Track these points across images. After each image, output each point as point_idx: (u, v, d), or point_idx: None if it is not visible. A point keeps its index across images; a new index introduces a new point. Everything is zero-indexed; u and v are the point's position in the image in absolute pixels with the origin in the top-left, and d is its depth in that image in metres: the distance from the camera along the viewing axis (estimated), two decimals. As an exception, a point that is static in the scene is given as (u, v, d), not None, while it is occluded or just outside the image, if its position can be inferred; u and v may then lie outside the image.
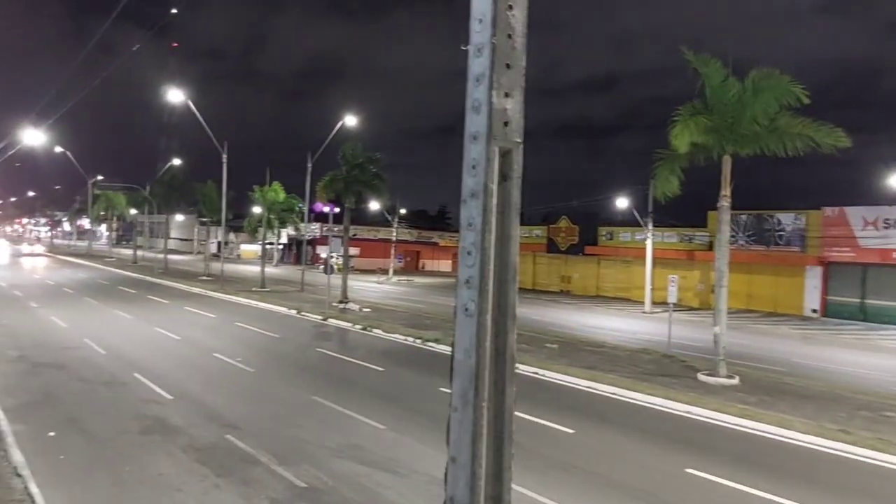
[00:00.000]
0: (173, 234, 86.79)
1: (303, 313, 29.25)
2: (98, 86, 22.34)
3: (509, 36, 2.06)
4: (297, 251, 72.74)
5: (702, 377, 17.33)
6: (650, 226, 38.39)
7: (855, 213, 36.22)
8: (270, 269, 51.65)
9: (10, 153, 38.25)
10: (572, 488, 9.55)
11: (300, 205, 43.64)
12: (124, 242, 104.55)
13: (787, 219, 39.74)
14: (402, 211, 69.72)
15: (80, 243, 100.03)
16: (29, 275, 46.71)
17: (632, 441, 12.10)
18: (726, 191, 17.52)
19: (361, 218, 58.47)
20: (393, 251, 62.35)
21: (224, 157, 39.40)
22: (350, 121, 36.12)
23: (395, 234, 62.58)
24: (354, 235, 55.89)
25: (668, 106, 20.70)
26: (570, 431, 12.37)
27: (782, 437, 12.49)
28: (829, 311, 37.23)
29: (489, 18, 2.03)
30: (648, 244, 38.92)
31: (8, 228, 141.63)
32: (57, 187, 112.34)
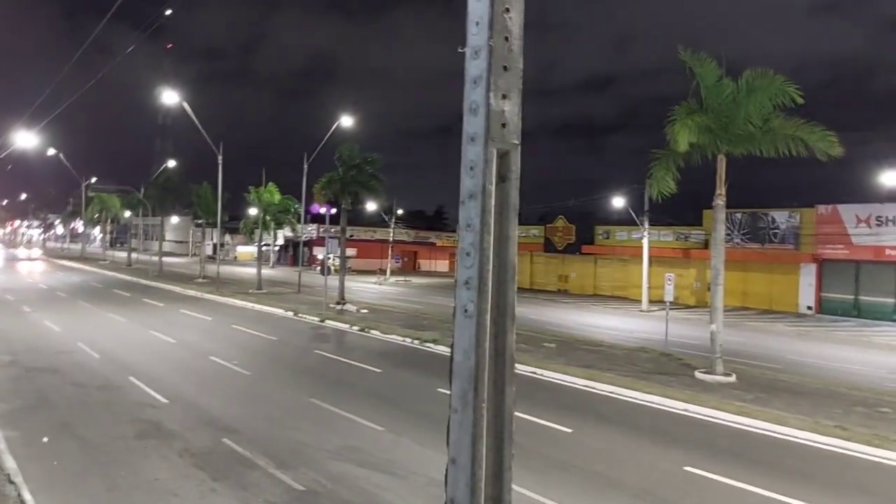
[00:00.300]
0: (168, 236, 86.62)
1: (300, 315, 29.22)
2: (92, 87, 22.26)
3: (506, 38, 2.05)
4: (293, 253, 72.70)
5: (699, 375, 17.36)
6: (646, 225, 38.46)
7: (848, 211, 36.34)
8: (267, 271, 51.58)
9: (2, 155, 38.09)
10: (572, 488, 9.55)
11: (296, 206, 43.59)
12: (118, 245, 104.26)
13: (781, 217, 39.85)
14: (400, 211, 69.76)
15: (73, 246, 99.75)
16: (22, 279, 46.55)
17: (630, 439, 12.11)
18: (721, 190, 17.56)
19: (358, 219, 58.43)
20: (390, 252, 62.35)
21: (219, 158, 39.32)
22: (346, 121, 36.11)
23: (392, 234, 62.57)
24: (351, 236, 55.87)
25: (665, 105, 20.80)
26: (569, 431, 12.37)
27: (779, 433, 12.51)
28: (824, 307, 37.34)
29: (486, 21, 2.03)
30: (645, 243, 38.97)
31: (0, 232, 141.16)
32: (50, 190, 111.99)
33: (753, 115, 16.72)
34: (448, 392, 2.38)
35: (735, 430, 12.89)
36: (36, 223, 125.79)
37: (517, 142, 2.16)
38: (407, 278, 61.02)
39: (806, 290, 38.45)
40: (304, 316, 28.94)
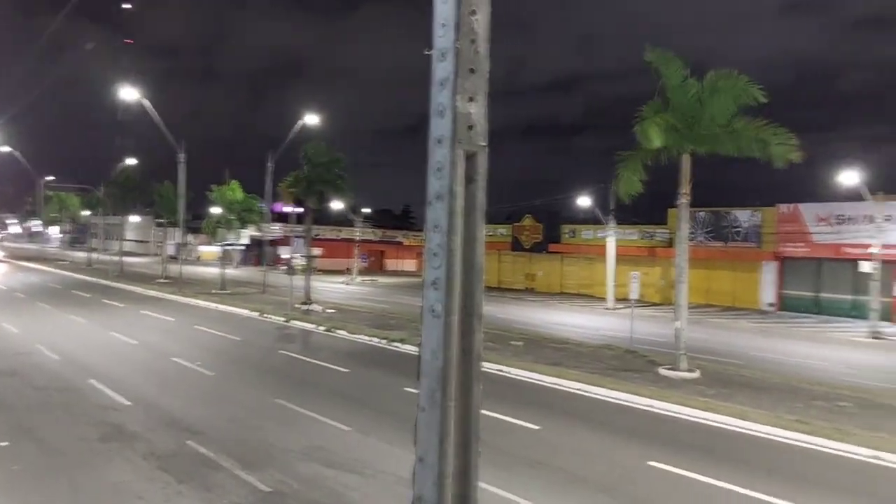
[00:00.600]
0: (129, 235, 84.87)
1: (265, 315, 28.90)
2: (50, 85, 21.71)
3: (473, 41, 2.07)
4: (258, 252, 71.81)
5: (663, 371, 17.65)
6: (612, 224, 38.95)
7: (808, 210, 37.31)
8: (231, 271, 50.90)
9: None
10: (538, 484, 9.64)
11: (260, 204, 43.10)
12: (77, 245, 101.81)
13: (743, 216, 40.74)
14: (366, 210, 69.41)
15: (30, 246, 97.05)
16: (-22, 280, 45.19)
17: (596, 435, 12.27)
18: (685, 189, 17.86)
19: (324, 218, 57.92)
20: (356, 251, 62.01)
21: (181, 156, 38.67)
22: (311, 120, 35.81)
23: (358, 234, 62.25)
24: (317, 235, 55.36)
25: (630, 106, 21.11)
26: (536, 428, 12.48)
27: (742, 428, 12.79)
28: (785, 304, 38.28)
29: (452, 23, 2.04)
30: (610, 242, 39.47)
31: None
32: (7, 189, 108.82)
33: (718, 116, 17.02)
34: (415, 391, 2.40)
35: (699, 424, 13.14)
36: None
37: (484, 144, 2.18)
38: (374, 278, 60.78)
39: (768, 287, 39.37)
40: (270, 316, 28.64)
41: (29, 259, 69.67)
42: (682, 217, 18.32)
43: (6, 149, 57.10)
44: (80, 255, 76.17)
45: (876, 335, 28.36)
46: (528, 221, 52.70)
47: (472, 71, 2.08)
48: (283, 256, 66.77)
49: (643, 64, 17.70)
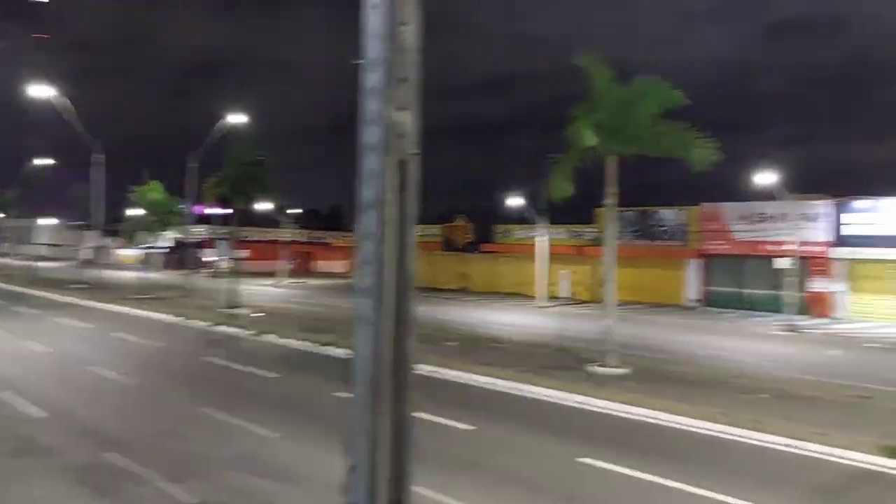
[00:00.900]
0: (43, 239, 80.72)
1: (189, 320, 28.01)
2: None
3: (403, 52, 2.06)
4: (181, 255, 69.55)
5: (594, 368, 18.07)
6: (543, 223, 39.69)
7: (730, 209, 39.12)
8: (152, 275, 49.07)
9: None
10: (471, 484, 9.70)
11: (183, 206, 41.78)
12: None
13: (669, 214, 42.33)
14: (294, 211, 68.29)
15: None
16: None
17: (529, 434, 12.45)
18: (612, 189, 18.39)
19: (251, 219, 56.62)
20: (284, 253, 60.93)
21: (97, 157, 37.03)
22: (235, 119, 34.81)
23: (286, 235, 61.19)
24: (244, 237, 54.09)
25: (561, 107, 21.58)
26: (471, 428, 12.55)
27: (670, 422, 13.20)
28: (710, 300, 39.98)
29: (382, 34, 2.03)
30: (541, 241, 40.21)
31: None
32: None
33: (644, 118, 17.59)
34: (347, 395, 2.38)
35: (628, 420, 13.51)
36: None
37: (415, 152, 2.18)
38: (303, 280, 59.86)
39: (693, 283, 41.04)
40: (194, 321, 27.77)
41: (-70, 265, 65.24)
42: (610, 217, 18.86)
43: None
44: (-12, 259, 71.85)
45: (792, 328, 29.94)
46: (460, 221, 53.06)
47: (402, 80, 2.08)
48: (207, 259, 64.99)
49: (573, 66, 18.14)
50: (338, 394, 13.79)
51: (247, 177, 31.60)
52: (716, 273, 40.21)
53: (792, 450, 11.47)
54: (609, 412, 14.03)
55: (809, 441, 11.67)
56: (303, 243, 75.16)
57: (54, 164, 55.99)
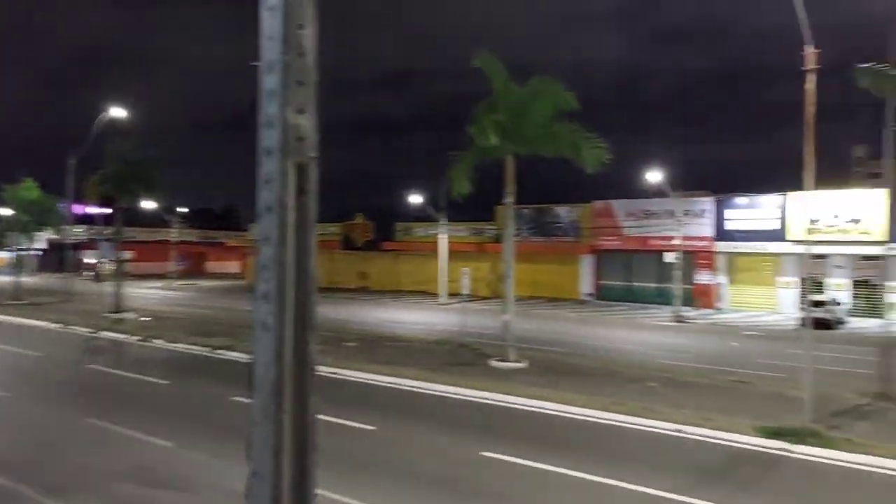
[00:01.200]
0: None
1: (70, 327, 26.29)
2: None
3: (301, 54, 2.04)
4: (59, 257, 65.13)
5: (494, 363, 18.46)
6: (444, 221, 40.09)
7: (620, 206, 41.01)
8: (27, 279, 45.68)
9: None
10: (375, 484, 9.68)
11: (60, 205, 39.16)
12: None
13: (563, 212, 43.87)
14: (183, 210, 65.57)
15: None
16: None
17: (431, 431, 12.56)
18: (511, 188, 18.87)
19: (137, 219, 53.79)
20: (174, 254, 58.34)
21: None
22: (117, 113, 32.83)
23: (175, 235, 58.61)
24: (130, 238, 51.32)
25: (461, 105, 21.93)
26: (373, 428, 12.50)
27: (567, 412, 13.69)
28: (603, 293, 41.77)
29: (280, 36, 2.00)
30: (442, 238, 40.59)
31: None
32: None
33: (539, 119, 18.11)
34: (245, 400, 2.33)
35: (527, 412, 13.89)
36: None
37: (314, 155, 2.16)
38: (194, 282, 57.59)
39: (587, 278, 42.74)
40: (75, 328, 26.09)
41: None
42: (509, 214, 19.33)
43: None
44: None
45: (679, 319, 31.80)
46: (359, 219, 52.73)
47: (300, 83, 2.05)
48: (88, 261, 61.25)
49: (472, 65, 18.41)
50: (236, 398, 13.39)
51: (131, 174, 29.99)
52: (608, 268, 42.10)
53: (679, 434, 12.18)
54: (510, 405, 14.39)
55: (694, 425, 12.45)
56: (194, 243, 72.21)
57: None
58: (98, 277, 30.09)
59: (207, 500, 8.98)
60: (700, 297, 37.44)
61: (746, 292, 37.20)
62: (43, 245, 64.04)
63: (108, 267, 34.86)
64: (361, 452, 11.08)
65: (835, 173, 35.74)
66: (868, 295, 31.81)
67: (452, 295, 41.13)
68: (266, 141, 2.05)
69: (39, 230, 41.89)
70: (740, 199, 37.31)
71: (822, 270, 33.12)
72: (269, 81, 2.02)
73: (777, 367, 18.27)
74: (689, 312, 33.32)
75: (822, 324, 25.30)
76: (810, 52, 12.97)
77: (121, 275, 32.16)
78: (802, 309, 14.71)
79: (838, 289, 33.13)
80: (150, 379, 16.86)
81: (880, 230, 28.26)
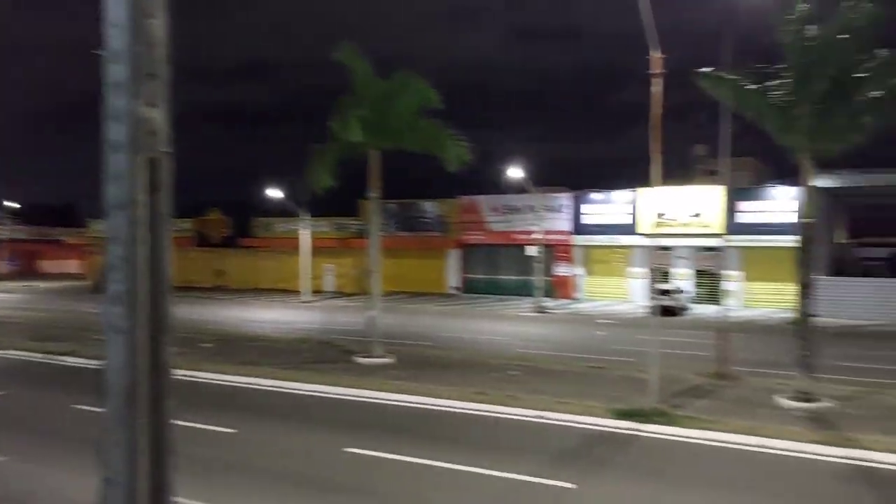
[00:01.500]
0: None
1: None
2: None
3: (150, 45, 1.94)
4: None
5: (359, 359, 18.38)
6: (306, 216, 39.27)
7: (484, 201, 42.20)
8: None
9: None
10: (237, 487, 9.39)
11: None
12: None
13: (429, 207, 44.47)
14: (14, 205, 59.82)
15: None
16: None
17: (294, 431, 12.32)
18: (376, 182, 18.83)
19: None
20: (3, 252, 53.00)
21: None
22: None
23: (4, 232, 53.30)
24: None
25: (323, 97, 21.51)
26: (232, 431, 12.06)
27: (433, 405, 13.90)
28: (468, 287, 42.87)
29: (127, 25, 1.89)
30: (304, 234, 39.77)
31: None
32: None
33: (403, 114, 18.18)
34: (89, 408, 2.23)
35: (394, 407, 13.96)
36: None
37: (167, 150, 2.08)
38: (30, 282, 52.70)
39: (453, 272, 43.66)
40: None
41: None
42: (374, 209, 19.30)
43: None
44: None
45: (540, 310, 33.26)
46: (215, 215, 50.55)
47: (151, 76, 1.96)
48: None
49: (334, 58, 18.11)
50: (78, 406, 12.44)
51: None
52: (473, 261, 43.27)
53: (540, 420, 12.76)
54: (375, 401, 14.40)
55: (553, 410, 13.09)
56: (27, 241, 65.91)
57: None
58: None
59: (49, 519, 8.29)
60: (559, 289, 39.34)
61: (601, 283, 39.55)
62: None
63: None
64: (222, 456, 10.69)
65: (680, 170, 38.58)
66: (708, 283, 34.70)
67: (316, 292, 40.48)
68: (113, 135, 1.94)
69: None
70: (595, 195, 39.53)
71: (668, 261, 35.89)
72: (116, 72, 1.91)
73: (629, 353, 19.51)
74: (549, 303, 34.93)
75: (668, 311, 27.48)
76: (656, 56, 13.92)
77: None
78: (651, 297, 15.87)
79: (682, 278, 36.07)
80: (-21, 391, 15.24)
81: (718, 223, 30.94)
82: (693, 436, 11.66)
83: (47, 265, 68.31)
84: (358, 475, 10.01)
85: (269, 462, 10.52)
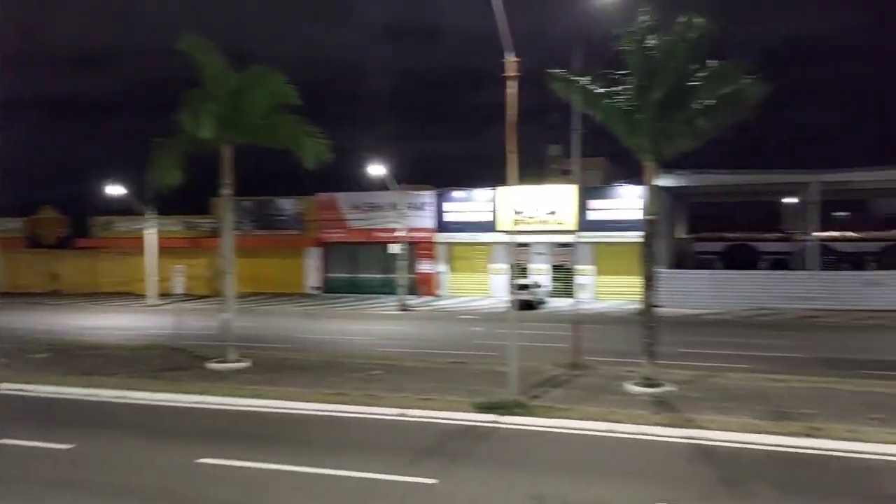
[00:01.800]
0: None
1: None
2: None
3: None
4: None
5: (212, 365, 17.45)
6: (152, 214, 36.87)
7: (344, 199, 41.60)
8: None
9: None
10: (73, 510, 8.54)
11: None
12: None
13: (286, 204, 43.21)
14: None
15: None
16: None
17: (141, 443, 11.43)
18: (228, 179, 17.90)
19: None
20: None
21: None
22: None
23: None
24: None
25: (168, 89, 20.07)
26: (70, 447, 10.98)
27: (289, 409, 13.42)
28: (329, 286, 42.09)
29: None
30: (150, 233, 37.35)
31: None
32: None
33: (258, 108, 17.42)
34: None
35: (250, 413, 13.34)
36: None
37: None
38: None
39: (312, 271, 42.68)
40: None
41: None
42: (227, 207, 18.37)
43: None
44: None
45: (403, 307, 33.31)
46: (47, 214, 46.29)
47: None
48: None
49: (178, 48, 17.03)
50: None
51: None
52: (334, 260, 42.57)
53: (401, 418, 12.69)
54: (229, 408, 13.71)
55: (416, 408, 13.07)
56: None
57: None
58: None
59: None
60: (422, 286, 39.67)
61: (464, 279, 40.35)
62: None
63: None
64: (57, 474, 9.72)
65: (536, 169, 40.07)
66: (563, 278, 36.44)
67: (164, 295, 38.14)
68: None
69: None
70: (457, 193, 40.23)
71: (527, 257, 37.35)
72: None
73: (491, 347, 19.85)
74: (412, 300, 35.13)
75: (526, 305, 28.56)
76: (511, 60, 14.31)
77: None
78: (510, 292, 16.33)
79: (539, 273, 37.63)
80: None
81: (572, 220, 32.42)
82: (549, 425, 12.09)
83: None
84: (210, 485, 9.44)
85: (112, 477, 9.69)
